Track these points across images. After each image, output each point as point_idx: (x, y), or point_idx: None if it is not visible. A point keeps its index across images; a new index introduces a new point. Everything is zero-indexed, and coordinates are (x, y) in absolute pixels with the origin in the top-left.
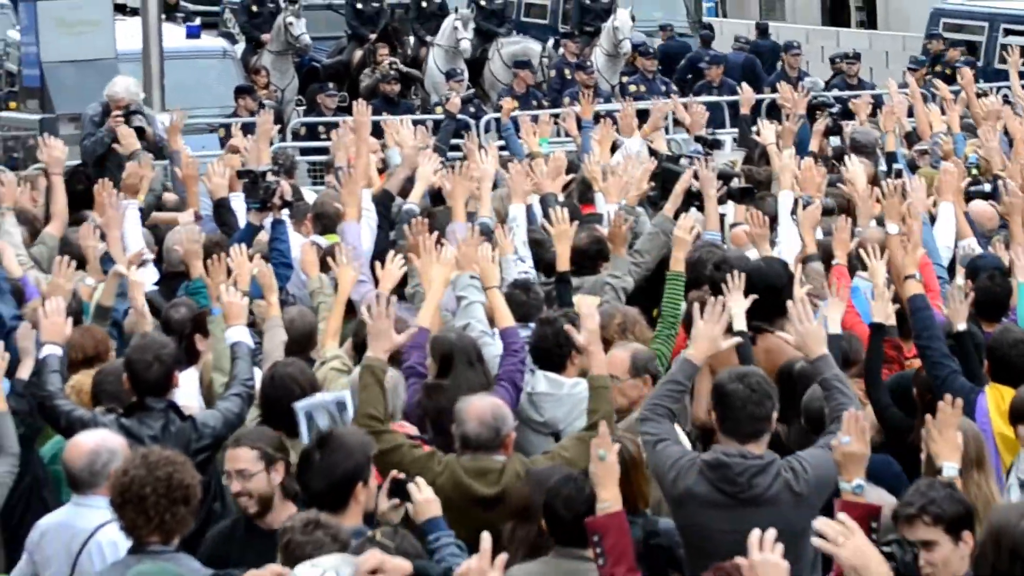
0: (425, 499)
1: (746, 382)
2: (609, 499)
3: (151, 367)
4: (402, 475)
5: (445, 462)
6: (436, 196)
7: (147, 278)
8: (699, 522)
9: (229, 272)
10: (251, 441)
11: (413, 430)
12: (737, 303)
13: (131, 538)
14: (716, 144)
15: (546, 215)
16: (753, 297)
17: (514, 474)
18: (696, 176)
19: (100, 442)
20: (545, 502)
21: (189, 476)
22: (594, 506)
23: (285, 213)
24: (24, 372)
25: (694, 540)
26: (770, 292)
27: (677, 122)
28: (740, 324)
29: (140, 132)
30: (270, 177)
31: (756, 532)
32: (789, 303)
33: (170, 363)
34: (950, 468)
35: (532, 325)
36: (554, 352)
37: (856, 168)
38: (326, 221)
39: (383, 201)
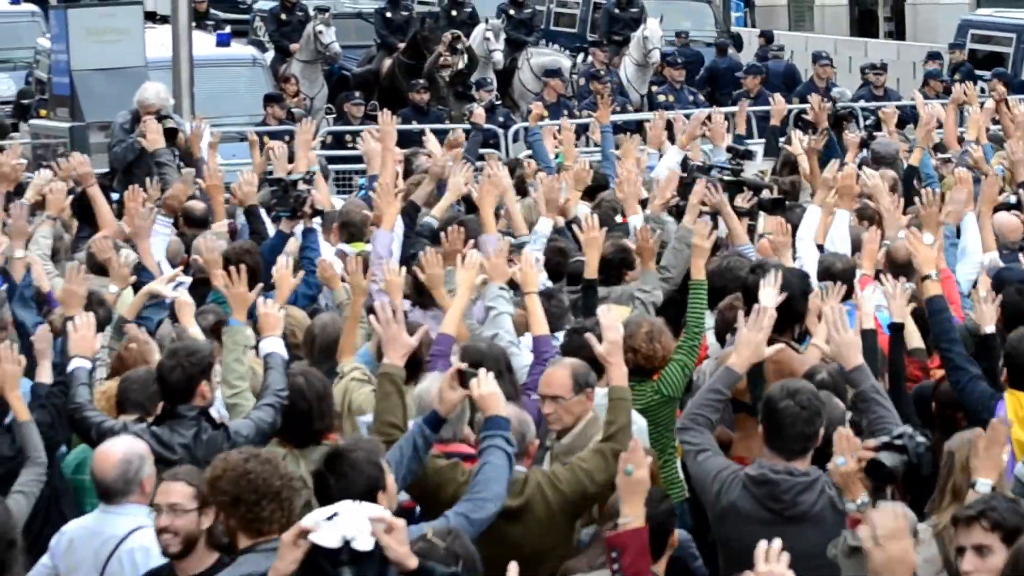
0: (489, 392)
1: (797, 399)
2: (631, 515)
3: (173, 371)
4: (464, 365)
5: (469, 472)
6: (470, 204)
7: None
8: (741, 537)
9: (252, 282)
10: (189, 478)
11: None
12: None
13: (253, 534)
14: (748, 155)
15: (571, 225)
16: (784, 296)
17: (536, 485)
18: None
19: (128, 450)
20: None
21: (295, 469)
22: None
23: (316, 222)
24: (43, 376)
25: (734, 554)
26: (787, 302)
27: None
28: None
29: (172, 134)
30: (301, 186)
31: (763, 544)
32: (826, 310)
33: (192, 370)
34: (984, 485)
35: (559, 335)
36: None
37: (876, 180)
38: (352, 229)
39: (409, 212)
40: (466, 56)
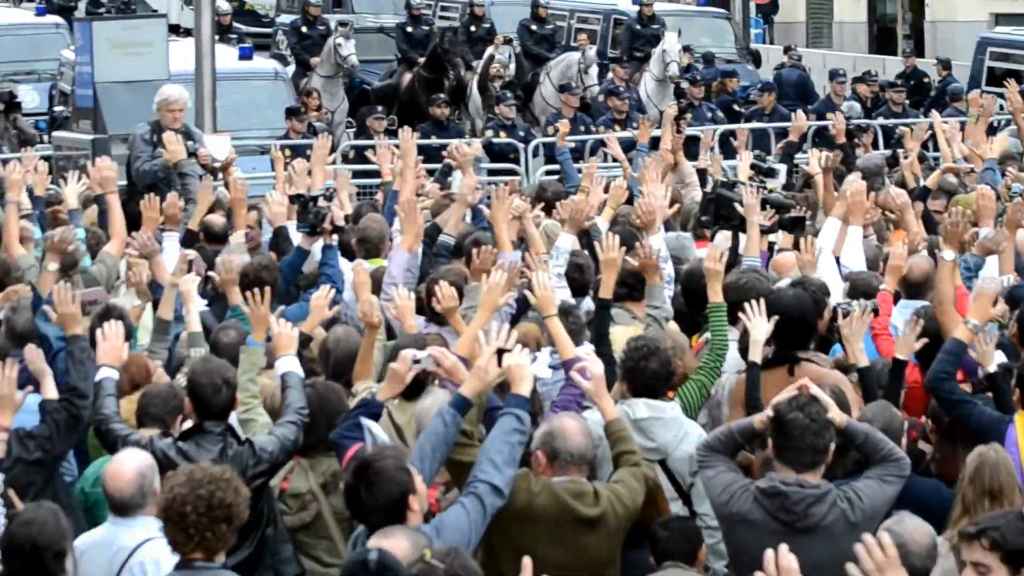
0: (517, 364)
1: (806, 412)
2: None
3: (220, 391)
4: (504, 343)
5: (542, 482)
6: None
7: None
8: (752, 548)
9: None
10: None
11: None
12: (759, 331)
13: (176, 554)
14: (771, 172)
15: (591, 245)
16: (775, 319)
17: (607, 497)
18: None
19: (140, 463)
20: None
21: (232, 494)
22: None
23: (335, 238)
24: (48, 391)
25: (745, 565)
26: (799, 320)
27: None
28: (756, 355)
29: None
30: (321, 202)
31: (769, 553)
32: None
33: (235, 385)
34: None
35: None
36: (661, 378)
37: (904, 198)
38: (368, 246)
39: (430, 234)
40: (513, 65)
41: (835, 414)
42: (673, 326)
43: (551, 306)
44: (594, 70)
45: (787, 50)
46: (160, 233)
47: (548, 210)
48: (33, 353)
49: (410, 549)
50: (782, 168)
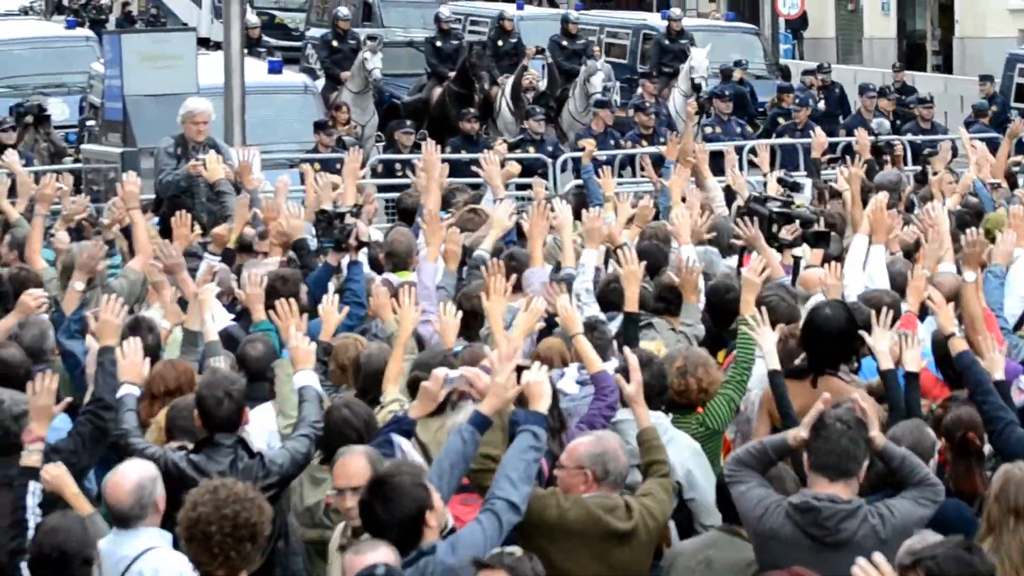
0: (535, 382)
1: (845, 420)
2: None
3: (222, 404)
4: (523, 360)
5: (572, 498)
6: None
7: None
8: (781, 564)
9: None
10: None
11: None
12: (767, 341)
13: (198, 573)
14: (796, 187)
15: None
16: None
17: (639, 511)
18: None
19: (140, 475)
20: None
21: (256, 513)
22: None
23: (362, 253)
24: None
25: None
26: (836, 339)
27: (752, 163)
28: (773, 363)
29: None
30: (348, 219)
31: None
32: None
33: (240, 399)
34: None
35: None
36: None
37: (940, 213)
38: (397, 259)
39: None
40: (546, 78)
41: (876, 434)
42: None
43: (576, 326)
44: (598, 77)
45: (820, 68)
46: (202, 250)
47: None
48: (92, 359)
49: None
50: (807, 183)
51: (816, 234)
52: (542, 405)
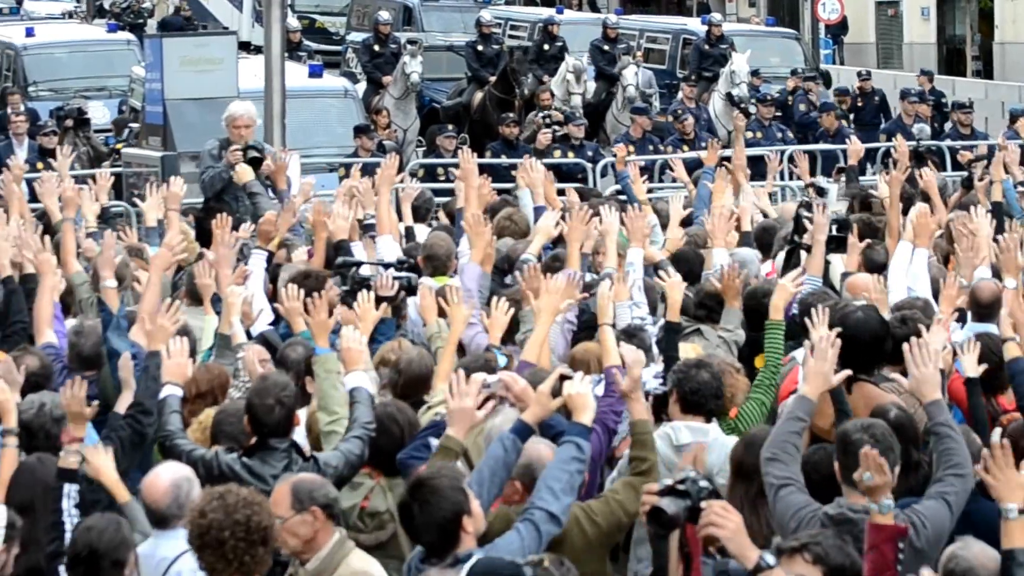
0: (578, 393)
1: (871, 433)
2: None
3: (273, 410)
4: (567, 369)
5: (497, 512)
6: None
7: (266, 319)
8: None
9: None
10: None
11: None
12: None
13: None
14: (821, 192)
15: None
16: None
17: (573, 518)
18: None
19: (176, 474)
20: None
21: (267, 516)
22: None
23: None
24: (121, 405)
25: None
26: (869, 343)
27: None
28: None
29: (256, 163)
30: (366, 270)
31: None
32: (905, 347)
33: (291, 404)
34: (1010, 510)
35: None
36: (711, 388)
37: (982, 220)
38: (436, 263)
39: (499, 266)
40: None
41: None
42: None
43: (605, 315)
44: (630, 71)
45: (860, 75)
46: (248, 248)
47: None
48: (126, 362)
49: None
50: (832, 187)
51: (831, 239)
52: (586, 417)
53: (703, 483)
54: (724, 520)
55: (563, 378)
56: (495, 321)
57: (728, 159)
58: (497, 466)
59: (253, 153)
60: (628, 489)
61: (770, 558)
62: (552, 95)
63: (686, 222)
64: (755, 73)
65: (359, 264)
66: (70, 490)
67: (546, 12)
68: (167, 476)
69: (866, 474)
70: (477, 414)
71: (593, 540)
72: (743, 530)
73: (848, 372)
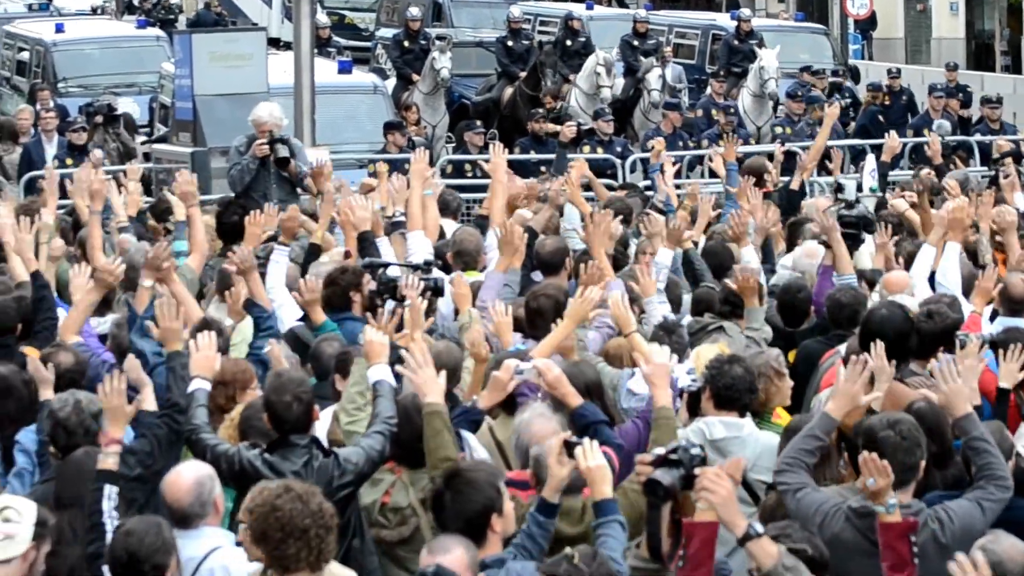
0: (596, 465)
1: (897, 429)
2: (708, 507)
3: (291, 407)
4: (569, 434)
5: (527, 504)
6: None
7: (291, 314)
8: (845, 569)
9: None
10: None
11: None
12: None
13: (279, 571)
14: (840, 188)
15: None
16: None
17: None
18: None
19: (198, 473)
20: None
21: (330, 505)
22: None
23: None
24: (147, 403)
25: None
26: (895, 339)
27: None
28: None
29: (284, 162)
30: (393, 271)
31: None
32: (932, 364)
33: (309, 400)
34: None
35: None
36: (745, 383)
37: (1011, 216)
38: (467, 258)
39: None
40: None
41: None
42: (773, 351)
43: (629, 324)
44: (653, 74)
45: (889, 72)
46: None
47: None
48: (133, 363)
49: (467, 559)
50: (850, 184)
51: (844, 235)
52: (607, 488)
53: (695, 451)
54: (716, 486)
55: (568, 444)
56: (499, 325)
57: (750, 155)
58: (533, 543)
59: (282, 152)
60: (622, 499)
61: (758, 526)
62: (554, 98)
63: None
64: (807, 69)
65: (386, 265)
66: (110, 491)
67: (574, 7)
68: (190, 475)
69: (869, 480)
70: (439, 382)
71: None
72: (733, 498)
73: (877, 395)
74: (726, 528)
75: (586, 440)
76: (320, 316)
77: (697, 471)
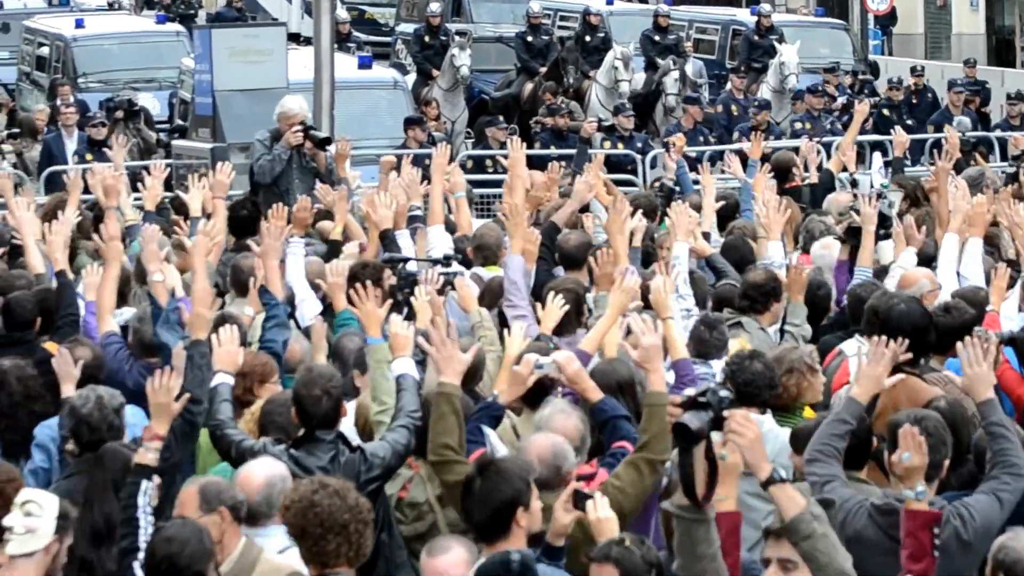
0: (605, 517)
1: (924, 425)
2: (726, 495)
3: (320, 401)
4: (581, 485)
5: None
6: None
7: (311, 309)
8: (867, 566)
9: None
10: None
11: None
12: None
13: (318, 566)
14: (854, 183)
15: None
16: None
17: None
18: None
19: (271, 471)
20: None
21: (366, 499)
22: None
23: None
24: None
25: None
26: (913, 335)
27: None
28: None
29: (326, 142)
30: (412, 265)
31: None
32: (959, 346)
33: (338, 395)
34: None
35: (711, 362)
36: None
37: None
38: (487, 252)
39: (549, 234)
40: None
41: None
42: (807, 347)
43: (667, 309)
44: (670, 78)
45: (913, 71)
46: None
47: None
48: (180, 353)
49: (468, 558)
50: (865, 179)
51: (850, 229)
52: (614, 531)
53: (724, 393)
54: (744, 429)
55: (578, 495)
56: (549, 313)
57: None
58: None
59: (320, 134)
60: (630, 470)
61: (783, 472)
62: (555, 94)
63: (731, 215)
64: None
65: (406, 260)
66: (147, 487)
67: (593, 3)
68: (262, 473)
69: (905, 454)
70: (463, 357)
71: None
72: (761, 440)
73: (900, 377)
74: (751, 470)
75: (597, 494)
76: (342, 303)
77: (726, 413)
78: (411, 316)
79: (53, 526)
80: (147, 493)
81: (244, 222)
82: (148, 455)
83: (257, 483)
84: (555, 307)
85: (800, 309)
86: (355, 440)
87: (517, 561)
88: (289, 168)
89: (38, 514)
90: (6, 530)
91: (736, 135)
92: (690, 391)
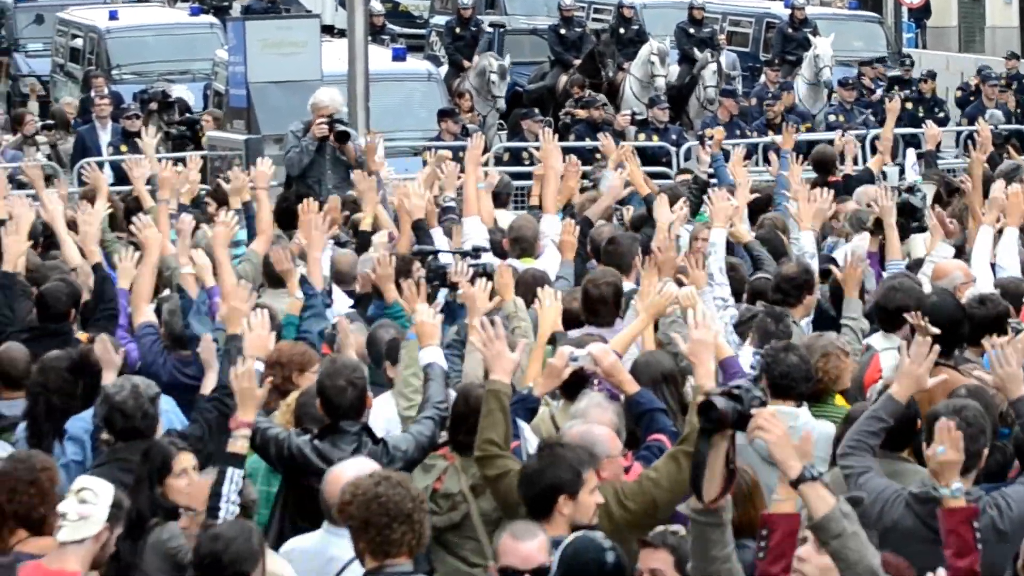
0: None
1: (963, 415)
2: (786, 496)
3: (345, 392)
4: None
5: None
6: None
7: (340, 303)
8: (905, 555)
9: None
10: None
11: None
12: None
13: (380, 557)
14: (884, 175)
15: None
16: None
17: (610, 498)
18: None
19: (360, 472)
20: None
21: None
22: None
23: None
24: (206, 387)
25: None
26: (947, 327)
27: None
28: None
29: (344, 136)
30: (443, 258)
31: None
32: (986, 344)
33: (363, 386)
34: None
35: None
36: (800, 372)
37: None
38: (524, 245)
39: (582, 227)
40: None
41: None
42: (832, 335)
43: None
44: (708, 71)
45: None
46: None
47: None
48: (208, 343)
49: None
50: (893, 171)
51: (876, 221)
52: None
53: (756, 392)
54: (771, 426)
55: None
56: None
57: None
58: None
59: (341, 127)
60: (669, 463)
61: (814, 469)
62: (582, 87)
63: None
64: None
65: (436, 252)
66: (234, 474)
67: None
68: (349, 473)
69: (940, 447)
70: (512, 355)
71: (622, 524)
72: (788, 438)
73: (943, 377)
74: (781, 469)
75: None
76: (393, 294)
77: (753, 411)
78: (447, 311)
79: (106, 514)
80: (234, 481)
81: (288, 214)
82: (238, 443)
83: (343, 483)
84: (553, 307)
85: (855, 303)
86: (382, 432)
87: (612, 563)
88: (321, 159)
89: (93, 501)
90: (60, 516)
91: (754, 133)
92: (728, 385)
